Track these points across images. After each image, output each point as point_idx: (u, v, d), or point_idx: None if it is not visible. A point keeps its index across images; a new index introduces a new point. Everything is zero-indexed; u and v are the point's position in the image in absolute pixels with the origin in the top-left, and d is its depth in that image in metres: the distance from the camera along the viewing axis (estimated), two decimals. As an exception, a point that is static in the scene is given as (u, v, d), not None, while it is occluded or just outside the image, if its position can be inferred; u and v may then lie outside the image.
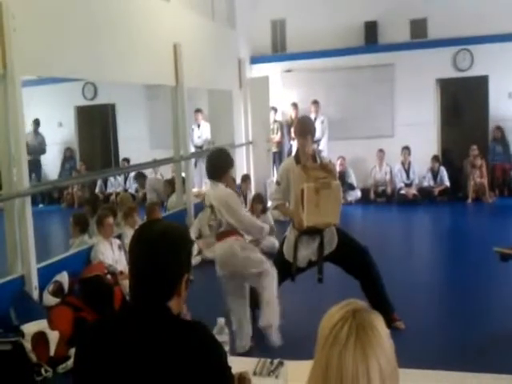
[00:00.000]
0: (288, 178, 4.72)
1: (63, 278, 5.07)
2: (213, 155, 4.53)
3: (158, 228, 1.69)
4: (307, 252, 4.73)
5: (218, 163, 4.39)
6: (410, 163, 10.86)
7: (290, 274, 4.73)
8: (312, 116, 11.15)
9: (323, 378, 1.27)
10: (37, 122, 11.06)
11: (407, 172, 10.83)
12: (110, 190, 10.67)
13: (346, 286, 5.66)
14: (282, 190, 4.79)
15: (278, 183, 4.89)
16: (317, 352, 1.31)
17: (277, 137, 11.46)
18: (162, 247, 1.62)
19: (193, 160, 9.71)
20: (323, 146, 11.17)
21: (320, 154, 5.35)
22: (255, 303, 4.56)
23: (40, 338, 4.10)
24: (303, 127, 4.86)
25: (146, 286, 1.61)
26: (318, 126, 11.16)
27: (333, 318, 1.31)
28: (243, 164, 10.95)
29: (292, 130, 11.35)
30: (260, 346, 4.12)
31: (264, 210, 8.04)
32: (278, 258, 4.88)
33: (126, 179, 10.63)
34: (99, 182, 10.77)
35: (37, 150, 10.79)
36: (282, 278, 4.57)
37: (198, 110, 10.75)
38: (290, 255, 4.74)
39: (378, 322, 1.32)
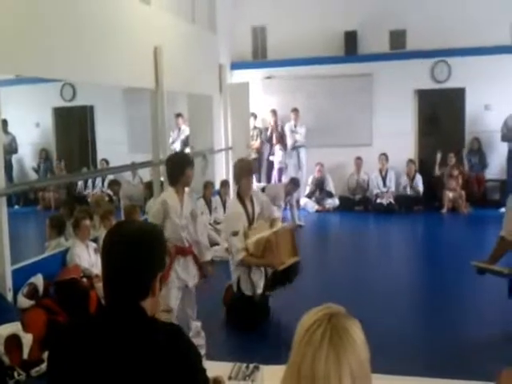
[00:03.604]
0: (244, 223, 5.18)
1: (38, 280, 5.01)
2: (166, 162, 4.61)
3: (131, 228, 1.68)
4: (261, 279, 5.20)
5: (170, 169, 4.44)
6: (387, 170, 10.97)
7: (255, 306, 5.07)
8: (292, 123, 11.25)
9: (296, 377, 1.29)
10: (4, 122, 10.90)
11: (384, 179, 10.94)
12: (87, 191, 10.56)
13: (328, 296, 5.69)
14: (240, 238, 5.09)
15: (235, 234, 5.10)
16: (292, 352, 1.34)
17: (256, 143, 11.50)
18: (136, 246, 1.61)
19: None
20: (302, 153, 11.25)
21: (257, 194, 5.70)
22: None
23: (13, 341, 4.04)
24: (250, 167, 5.41)
25: (119, 286, 1.60)
26: (297, 133, 11.24)
27: (309, 320, 1.34)
28: (222, 169, 10.95)
29: (273, 136, 11.44)
30: (236, 350, 4.11)
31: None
32: (239, 300, 5.16)
33: (103, 181, 10.54)
34: (80, 183, 10.67)
35: (7, 150, 10.63)
36: (255, 315, 4.91)
37: (178, 115, 10.73)
38: (248, 289, 5.14)
39: (353, 327, 1.34)
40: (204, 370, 1.63)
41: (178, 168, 4.34)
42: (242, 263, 5.13)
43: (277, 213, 7.23)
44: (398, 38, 11.09)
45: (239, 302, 5.15)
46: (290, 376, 1.31)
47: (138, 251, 1.61)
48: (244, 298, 5.13)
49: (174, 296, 4.26)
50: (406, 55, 10.94)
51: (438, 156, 10.68)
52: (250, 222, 5.29)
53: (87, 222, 5.76)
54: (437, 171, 10.71)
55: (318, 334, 1.29)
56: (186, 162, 4.40)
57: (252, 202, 5.37)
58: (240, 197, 5.29)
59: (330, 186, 11.06)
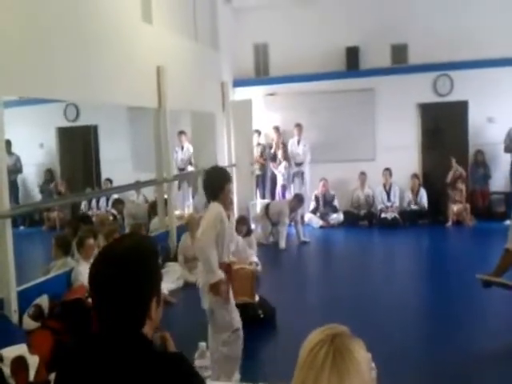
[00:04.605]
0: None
1: (43, 301, 5.00)
2: (204, 175, 4.36)
3: (119, 249, 1.60)
4: None
5: (210, 183, 4.17)
6: (391, 185, 10.96)
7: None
8: (295, 139, 11.28)
9: None
10: (8, 143, 10.97)
11: (388, 194, 10.92)
12: (91, 211, 10.57)
13: (334, 312, 5.66)
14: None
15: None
16: (295, 373, 1.32)
17: (261, 159, 11.53)
18: (122, 277, 1.52)
19: (176, 182, 9.71)
20: (306, 168, 11.27)
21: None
22: None
23: (20, 363, 4.02)
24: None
25: (116, 313, 1.53)
26: (300, 148, 11.27)
27: (312, 341, 1.32)
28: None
29: (276, 153, 11.46)
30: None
31: (248, 232, 8.03)
32: None
33: (107, 200, 10.56)
34: (84, 204, 10.69)
35: (12, 170, 10.68)
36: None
37: (181, 132, 10.77)
38: None
39: (357, 347, 1.32)
40: None
41: (217, 184, 4.11)
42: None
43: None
44: (399, 52, 11.14)
45: None
46: None
47: (125, 281, 1.52)
48: None
49: (237, 315, 4.15)
50: (408, 69, 10.98)
51: (453, 161, 10.57)
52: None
53: (91, 240, 5.77)
54: (449, 178, 10.59)
55: (321, 355, 1.28)
56: (224, 178, 4.17)
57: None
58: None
59: (335, 201, 11.05)
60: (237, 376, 3.95)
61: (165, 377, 1.50)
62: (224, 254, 4.10)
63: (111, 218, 9.47)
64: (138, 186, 9.49)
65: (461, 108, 10.82)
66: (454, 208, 10.44)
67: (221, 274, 3.97)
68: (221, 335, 4.04)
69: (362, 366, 1.29)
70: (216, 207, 4.06)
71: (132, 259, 1.57)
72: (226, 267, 4.11)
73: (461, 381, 3.95)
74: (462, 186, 10.46)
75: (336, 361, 1.27)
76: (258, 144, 11.61)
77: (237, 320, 4.10)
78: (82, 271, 5.58)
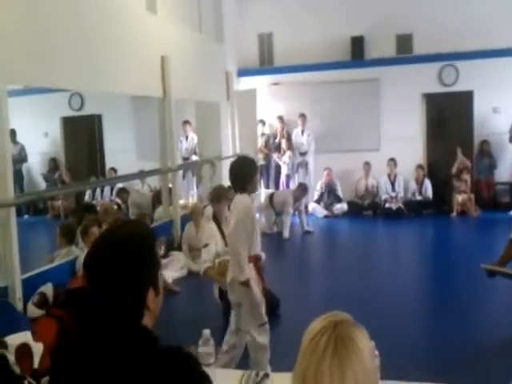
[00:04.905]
0: (216, 241, 5.39)
1: (48, 289, 5.02)
2: (231, 166, 4.12)
3: (113, 238, 1.58)
4: None
5: (237, 174, 4.00)
6: (395, 175, 10.93)
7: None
8: (299, 129, 11.26)
9: None
10: (13, 132, 11.00)
11: (393, 184, 10.90)
12: (96, 200, 10.60)
13: (338, 301, 5.67)
14: (210, 251, 5.34)
15: (205, 246, 5.44)
16: (297, 361, 1.31)
17: (265, 149, 11.53)
18: (122, 256, 1.51)
19: (180, 172, 9.71)
20: (310, 158, 11.26)
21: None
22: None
23: (24, 350, 4.04)
24: (217, 193, 5.60)
25: (111, 302, 1.50)
26: (304, 138, 11.25)
27: (314, 329, 1.31)
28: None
29: (281, 142, 11.45)
30: (245, 357, 4.10)
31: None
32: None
33: (112, 189, 10.58)
34: (88, 193, 10.72)
35: (17, 159, 10.71)
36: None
37: (186, 122, 10.76)
38: None
39: (359, 335, 1.30)
40: None
41: (246, 175, 3.97)
42: (205, 274, 5.45)
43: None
44: (404, 42, 11.07)
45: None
46: None
47: (117, 267, 1.50)
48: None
49: (264, 309, 4.08)
50: (413, 59, 10.91)
51: (459, 151, 10.53)
52: (227, 244, 5.49)
53: (95, 229, 5.78)
54: (455, 169, 10.57)
55: (322, 343, 1.27)
56: (252, 168, 4.06)
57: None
58: (216, 219, 5.59)
59: (339, 190, 11.04)
60: (269, 368, 3.94)
61: (170, 373, 1.47)
62: (254, 246, 4.02)
63: (115, 207, 9.50)
64: (142, 175, 9.50)
65: (466, 98, 10.77)
66: (459, 198, 10.42)
67: (250, 272, 3.93)
68: (248, 327, 4.02)
69: (365, 354, 1.28)
70: (244, 200, 3.95)
71: (129, 246, 1.55)
72: (255, 259, 4.05)
73: (465, 371, 3.95)
74: (466, 176, 10.43)
75: (338, 348, 1.26)
76: (263, 134, 11.59)
77: (263, 314, 4.05)
78: (87, 259, 5.59)
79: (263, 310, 4.05)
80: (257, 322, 4.02)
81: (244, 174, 3.97)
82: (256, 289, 3.98)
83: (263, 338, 4.04)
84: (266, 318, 4.06)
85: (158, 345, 1.52)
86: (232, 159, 4.49)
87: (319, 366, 1.25)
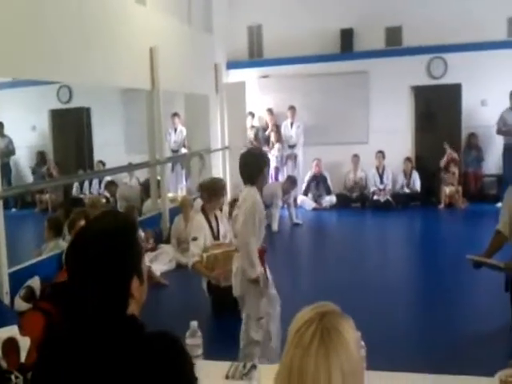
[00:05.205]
0: (205, 234, 5.51)
1: (35, 282, 5.00)
2: (241, 159, 4.10)
3: (95, 228, 1.58)
4: None
5: (247, 167, 3.99)
6: (384, 168, 10.97)
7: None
8: (288, 121, 11.25)
9: (287, 378, 1.27)
10: (0, 125, 10.90)
11: (381, 176, 10.94)
12: (83, 193, 10.55)
13: (326, 292, 5.69)
14: (198, 244, 5.43)
15: (194, 239, 5.51)
16: (284, 352, 1.32)
17: (255, 142, 11.50)
18: (98, 249, 1.50)
19: (169, 164, 9.68)
20: (299, 151, 11.26)
21: (224, 220, 6.02)
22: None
23: (11, 345, 4.02)
24: (209, 188, 5.80)
25: (95, 292, 1.50)
26: (293, 131, 11.25)
27: (301, 320, 1.31)
28: (219, 169, 10.95)
29: (271, 135, 11.44)
30: (233, 349, 4.10)
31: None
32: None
33: (100, 183, 10.53)
34: (76, 185, 10.66)
35: (4, 152, 10.62)
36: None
37: (175, 114, 10.72)
38: None
39: (346, 326, 1.31)
40: (196, 379, 1.58)
41: (256, 168, 3.95)
42: (193, 267, 5.50)
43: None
44: (393, 34, 11.07)
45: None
46: (281, 377, 1.29)
47: (100, 257, 1.50)
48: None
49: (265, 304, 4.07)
50: (402, 52, 10.92)
51: (447, 146, 10.58)
52: (215, 237, 5.68)
53: (83, 222, 5.75)
54: (443, 163, 10.62)
55: (309, 334, 1.27)
56: (263, 161, 4.04)
57: (217, 220, 5.77)
58: (205, 212, 5.70)
59: (328, 182, 11.06)
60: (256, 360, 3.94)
61: (153, 358, 1.48)
62: (260, 239, 4.02)
63: (104, 200, 9.46)
64: (130, 168, 9.46)
65: (454, 91, 10.80)
66: (447, 190, 10.47)
67: (260, 269, 3.92)
68: (250, 321, 4.03)
69: (351, 345, 1.28)
70: (253, 193, 3.92)
71: (110, 235, 1.55)
72: (261, 252, 4.03)
73: (451, 361, 3.98)
74: (454, 168, 10.49)
75: (324, 339, 1.26)
76: (252, 126, 11.57)
77: (262, 309, 4.02)
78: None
79: (263, 303, 4.02)
80: (256, 315, 4.01)
81: (253, 167, 3.95)
82: (261, 282, 3.96)
83: (257, 333, 4.02)
84: (263, 314, 4.02)
85: (144, 331, 1.53)
86: (241, 151, 4.46)
87: (305, 357, 1.25)
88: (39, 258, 5.84)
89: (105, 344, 1.48)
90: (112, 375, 1.46)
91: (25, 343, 4.11)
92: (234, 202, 8.09)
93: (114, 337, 1.49)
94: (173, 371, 1.48)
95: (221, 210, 7.00)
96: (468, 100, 10.76)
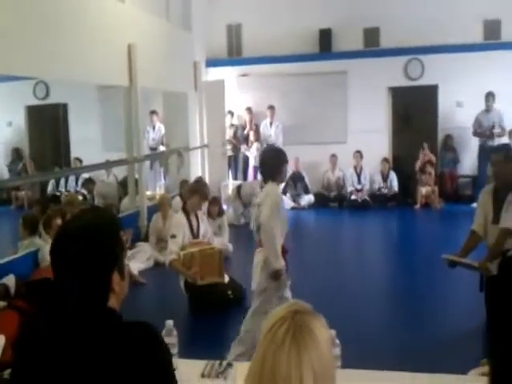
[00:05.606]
0: (184, 232, 5.53)
1: (10, 280, 4.94)
2: (261, 156, 4.32)
3: (77, 224, 1.60)
4: None
5: (268, 163, 4.12)
6: (361, 168, 11.05)
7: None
8: (267, 120, 11.27)
9: (259, 375, 1.28)
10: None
11: (358, 176, 11.02)
12: (59, 191, 10.43)
13: (303, 291, 5.71)
14: (176, 242, 5.46)
15: (172, 236, 5.53)
16: (256, 349, 1.33)
17: (234, 140, 11.50)
18: (79, 249, 1.53)
19: (147, 162, 9.63)
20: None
21: (204, 219, 6.14)
22: None
23: (-15, 343, 3.98)
24: (206, 192, 5.92)
25: (77, 287, 1.53)
26: (273, 130, 11.27)
27: (274, 318, 1.32)
28: (198, 167, 10.92)
29: (249, 134, 11.44)
30: (209, 348, 4.11)
31: (220, 212, 8.02)
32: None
33: (77, 180, 10.42)
34: (51, 182, 10.53)
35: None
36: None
37: (153, 112, 10.67)
38: None
39: (318, 324, 1.32)
40: (173, 370, 1.61)
41: (276, 164, 4.06)
42: (170, 265, 5.52)
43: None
44: (371, 35, 11.16)
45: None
46: (253, 374, 1.30)
47: (82, 253, 1.53)
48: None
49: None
50: (380, 53, 11.02)
51: (426, 146, 10.71)
52: (195, 236, 5.70)
53: (59, 220, 5.70)
54: (419, 164, 10.74)
55: (281, 331, 1.28)
56: (283, 158, 4.12)
57: (197, 219, 5.79)
58: (186, 211, 5.73)
59: (306, 182, 11.10)
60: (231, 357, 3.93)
61: (133, 345, 1.51)
62: (283, 235, 4.07)
63: (81, 198, 9.37)
64: (108, 165, 9.38)
65: (431, 92, 10.93)
66: (423, 191, 10.60)
67: (283, 262, 3.97)
68: (258, 317, 3.99)
69: (322, 343, 1.29)
70: (275, 189, 4.04)
71: (93, 230, 1.58)
72: (283, 249, 4.06)
73: (426, 360, 4.03)
74: (431, 169, 10.62)
75: (296, 337, 1.27)
76: (232, 125, 11.56)
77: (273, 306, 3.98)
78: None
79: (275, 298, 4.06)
80: (265, 313, 4.01)
81: (274, 163, 4.07)
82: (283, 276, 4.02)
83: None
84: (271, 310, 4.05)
85: (122, 321, 1.57)
86: (259, 148, 4.55)
87: (277, 355, 1.26)
88: (14, 256, 5.77)
89: (84, 333, 1.52)
90: (91, 363, 1.49)
91: (0, 342, 4.07)
92: (213, 201, 8.10)
93: (94, 326, 1.52)
94: (151, 359, 1.51)
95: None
96: (444, 101, 10.90)
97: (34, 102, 11.69)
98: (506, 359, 1.23)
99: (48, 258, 5.01)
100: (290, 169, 11.04)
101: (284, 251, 4.07)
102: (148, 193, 9.20)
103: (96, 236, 1.57)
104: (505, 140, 9.70)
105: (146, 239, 7.68)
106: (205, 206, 7.80)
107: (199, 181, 6.42)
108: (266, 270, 3.98)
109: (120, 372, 1.49)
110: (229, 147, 11.37)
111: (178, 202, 8.66)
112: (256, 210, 4.13)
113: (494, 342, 1.26)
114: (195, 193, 5.81)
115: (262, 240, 4.02)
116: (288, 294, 4.12)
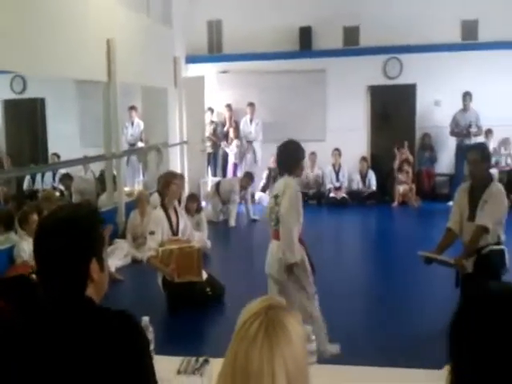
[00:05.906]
0: (162, 228, 5.48)
1: (-16, 277, 4.87)
2: (280, 149, 4.24)
3: (57, 216, 1.64)
4: None
5: (286, 157, 4.16)
6: (340, 165, 11.10)
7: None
8: (248, 117, 11.26)
9: (231, 371, 1.27)
10: None
11: (337, 174, 11.08)
12: (36, 187, 10.29)
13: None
14: (156, 239, 5.43)
15: (151, 233, 5.49)
16: (230, 345, 1.32)
17: (213, 137, 11.47)
18: (58, 238, 1.56)
19: (125, 158, 9.56)
20: (257, 147, 11.28)
21: (183, 214, 6.09)
22: None
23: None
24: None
25: (53, 281, 1.57)
26: (253, 127, 11.27)
27: (248, 313, 1.32)
28: (177, 163, 10.88)
29: (229, 131, 11.42)
30: (185, 344, 4.10)
31: (198, 209, 8.00)
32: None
33: (54, 176, 10.30)
34: (27, 178, 10.39)
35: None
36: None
37: (132, 108, 10.58)
38: None
39: (291, 320, 1.31)
40: (151, 358, 1.63)
41: (294, 158, 4.12)
42: (148, 262, 5.51)
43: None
44: (351, 34, 11.22)
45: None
46: (226, 370, 1.29)
47: (61, 242, 1.56)
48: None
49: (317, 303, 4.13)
50: (359, 51, 11.08)
51: (406, 145, 10.82)
52: (174, 232, 5.65)
53: (35, 216, 5.64)
54: (397, 163, 10.84)
55: (254, 327, 1.28)
56: (301, 152, 4.20)
57: (176, 215, 5.72)
58: (164, 206, 5.65)
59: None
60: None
61: (111, 335, 1.53)
62: (300, 227, 4.11)
63: (58, 193, 9.28)
64: (85, 160, 9.29)
65: (409, 91, 11.02)
66: (400, 189, 10.69)
67: (299, 256, 4.00)
68: (300, 299, 4.02)
69: (294, 339, 1.29)
70: (293, 182, 4.06)
71: (72, 221, 1.61)
72: (301, 240, 4.11)
73: (402, 355, 4.07)
74: (408, 168, 10.72)
75: (268, 333, 1.27)
76: (211, 122, 11.53)
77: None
78: (26, 247, 5.45)
79: (315, 302, 4.15)
80: (303, 294, 4.10)
81: (291, 157, 4.11)
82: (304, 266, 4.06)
83: (314, 309, 4.14)
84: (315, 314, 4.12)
85: (101, 310, 1.59)
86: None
87: (250, 350, 1.26)
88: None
89: (61, 321, 1.54)
90: (69, 351, 1.50)
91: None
92: (191, 197, 8.08)
93: (71, 315, 1.55)
94: (129, 347, 1.53)
95: (179, 202, 6.99)
96: (422, 100, 11.01)
97: (11, 96, 11.54)
98: (467, 360, 1.24)
99: (23, 254, 5.00)
100: (268, 166, 11.10)
101: (302, 243, 4.14)
102: (126, 189, 9.14)
103: (73, 230, 1.59)
104: (481, 139, 9.82)
105: (123, 236, 7.62)
106: (183, 202, 7.79)
107: (167, 172, 6.41)
108: (284, 262, 4.01)
109: (98, 360, 1.49)
110: (208, 144, 11.34)
111: (156, 198, 8.60)
112: (271, 201, 4.15)
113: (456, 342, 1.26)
114: (169, 183, 5.68)
115: (280, 233, 4.04)
116: (311, 289, 4.14)
